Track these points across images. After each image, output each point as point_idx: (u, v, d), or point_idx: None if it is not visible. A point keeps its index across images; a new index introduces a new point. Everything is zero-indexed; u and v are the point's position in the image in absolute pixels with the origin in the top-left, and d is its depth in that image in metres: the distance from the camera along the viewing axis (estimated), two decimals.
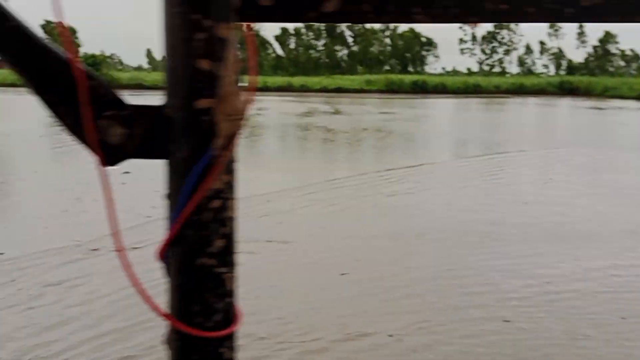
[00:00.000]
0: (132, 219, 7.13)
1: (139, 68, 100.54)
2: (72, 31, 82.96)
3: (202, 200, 0.61)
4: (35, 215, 7.62)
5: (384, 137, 18.40)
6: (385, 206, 8.64)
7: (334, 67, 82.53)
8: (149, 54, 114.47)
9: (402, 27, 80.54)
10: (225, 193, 0.64)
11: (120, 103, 0.63)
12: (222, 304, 0.65)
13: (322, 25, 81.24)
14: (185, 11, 0.58)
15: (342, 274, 5.56)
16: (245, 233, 6.08)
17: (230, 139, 0.63)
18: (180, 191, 0.62)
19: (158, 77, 60.67)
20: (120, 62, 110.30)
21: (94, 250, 6.08)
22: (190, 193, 0.61)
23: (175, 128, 0.63)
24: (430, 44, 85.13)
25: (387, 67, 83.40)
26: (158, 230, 6.91)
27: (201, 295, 0.63)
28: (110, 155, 0.64)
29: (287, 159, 13.51)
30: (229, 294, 0.66)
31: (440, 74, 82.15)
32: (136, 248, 6.01)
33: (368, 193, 9.52)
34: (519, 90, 58.07)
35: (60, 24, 0.60)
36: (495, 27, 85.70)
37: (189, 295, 0.64)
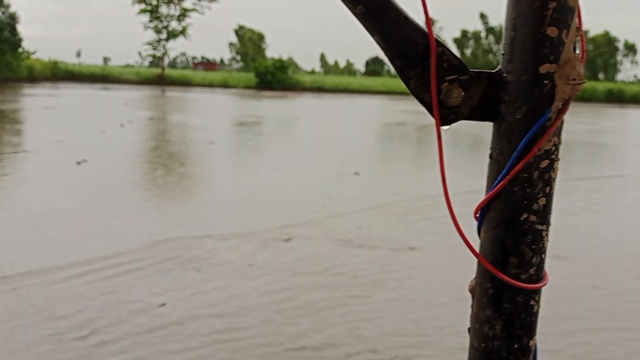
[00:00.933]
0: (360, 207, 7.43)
1: (312, 72, 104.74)
2: (260, 37, 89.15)
3: (532, 159, 0.65)
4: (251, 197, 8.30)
5: (584, 147, 17.20)
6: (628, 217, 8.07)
7: None
8: (322, 58, 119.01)
9: (594, 30, 74.56)
10: (553, 154, 0.66)
11: (462, 68, 0.67)
12: (537, 259, 0.68)
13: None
14: None
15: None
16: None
17: (567, 103, 0.65)
18: (510, 150, 0.66)
19: (335, 80, 62.67)
20: (296, 66, 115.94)
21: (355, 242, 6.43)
22: (521, 152, 0.65)
23: (512, 92, 0.66)
24: (631, 48, 77.78)
25: None
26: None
27: (520, 248, 0.67)
28: (446, 115, 0.68)
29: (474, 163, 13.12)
30: (544, 251, 0.69)
31: (632, 82, 74.70)
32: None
33: (595, 202, 8.96)
34: None
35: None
36: None
37: (508, 248, 0.67)
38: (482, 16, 79.43)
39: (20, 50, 48.60)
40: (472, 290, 0.72)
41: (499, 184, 0.67)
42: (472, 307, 0.72)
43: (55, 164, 10.87)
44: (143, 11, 54.68)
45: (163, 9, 55.28)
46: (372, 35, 0.67)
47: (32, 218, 7.11)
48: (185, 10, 55.81)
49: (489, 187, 0.69)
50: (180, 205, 8.37)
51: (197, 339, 4.09)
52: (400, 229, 7.18)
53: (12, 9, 48.41)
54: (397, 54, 0.67)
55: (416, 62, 0.67)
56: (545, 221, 0.68)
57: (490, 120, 0.70)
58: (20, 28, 48.46)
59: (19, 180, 9.47)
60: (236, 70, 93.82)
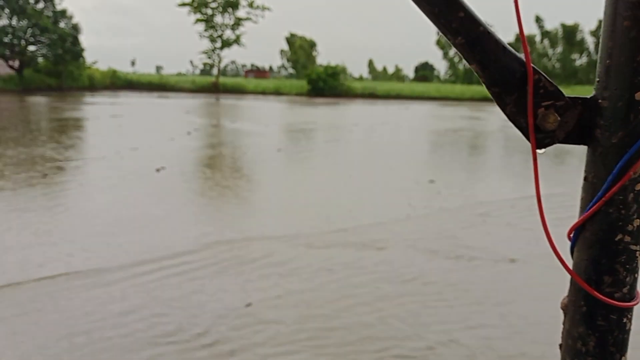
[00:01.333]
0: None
1: (360, 78, 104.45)
2: (312, 44, 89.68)
3: (627, 182, 0.67)
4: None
5: None
6: None
7: (569, 76, 77.02)
8: (370, 64, 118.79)
9: None
10: None
11: (558, 94, 0.70)
12: (631, 279, 0.70)
13: (560, 33, 76.54)
14: (636, 14, 0.65)
15: None
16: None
17: None
18: (605, 174, 0.68)
19: (387, 86, 62.44)
20: (346, 72, 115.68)
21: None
22: (617, 175, 0.67)
23: (608, 117, 0.68)
24: None
25: None
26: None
27: (614, 268, 0.69)
28: (542, 139, 0.71)
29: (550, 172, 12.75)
30: (637, 270, 0.71)
31: None
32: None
33: None
34: None
35: (520, 25, 0.69)
36: None
37: (602, 267, 0.69)
38: (538, 19, 77.69)
39: (81, 60, 50.45)
40: (564, 308, 0.74)
41: (595, 206, 0.69)
42: (563, 324, 0.74)
43: (136, 171, 11.15)
44: (199, 21, 55.94)
45: (218, 19, 56.43)
46: (471, 64, 0.70)
47: (125, 224, 7.30)
48: (240, 19, 56.79)
49: (583, 208, 0.71)
50: (265, 211, 8.43)
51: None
52: (491, 237, 7.03)
53: (74, 20, 50.23)
54: (494, 81, 0.70)
55: (513, 88, 0.70)
56: (639, 242, 0.71)
57: (584, 144, 0.72)
58: (82, 38, 50.46)
59: (104, 186, 9.75)
60: (284, 77, 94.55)
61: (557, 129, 0.71)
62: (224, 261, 5.97)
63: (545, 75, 0.70)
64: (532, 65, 0.69)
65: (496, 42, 0.69)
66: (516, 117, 0.72)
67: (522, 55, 0.70)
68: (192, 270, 5.66)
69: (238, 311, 4.70)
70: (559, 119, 0.70)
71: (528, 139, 0.71)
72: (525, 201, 8.90)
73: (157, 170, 11.09)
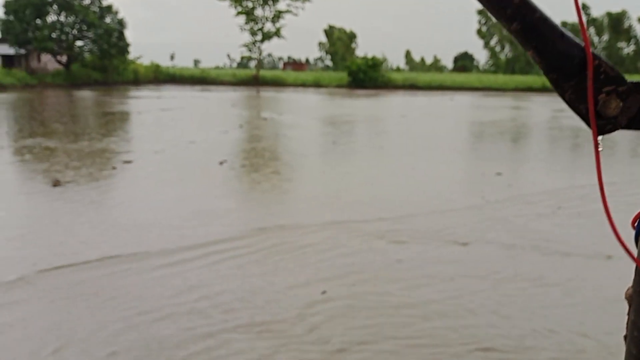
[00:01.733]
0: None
1: (398, 69, 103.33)
2: (351, 36, 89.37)
3: None
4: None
5: None
6: None
7: (615, 65, 74.86)
8: (407, 55, 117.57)
9: None
10: None
11: (620, 79, 0.67)
12: None
13: (606, 21, 74.41)
14: None
15: None
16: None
17: None
18: None
19: (427, 77, 61.67)
20: (385, 63, 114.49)
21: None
22: None
23: None
24: None
25: None
26: None
27: None
28: (603, 126, 0.69)
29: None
30: None
31: None
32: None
33: None
34: None
35: (579, 13, 0.66)
36: None
37: None
38: (584, 7, 75.63)
39: (126, 54, 51.29)
40: (629, 298, 0.73)
41: None
42: (628, 314, 0.73)
43: (199, 164, 11.25)
44: (240, 13, 56.27)
45: (258, 11, 56.67)
46: (527, 50, 0.69)
47: (200, 217, 7.33)
48: (280, 12, 56.90)
49: None
50: (334, 201, 8.36)
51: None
52: (576, 230, 6.82)
53: (119, 15, 51.04)
54: (552, 67, 0.68)
55: (572, 74, 0.68)
56: None
57: None
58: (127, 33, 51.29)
59: (172, 179, 9.83)
60: (321, 69, 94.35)
61: (619, 114, 0.69)
62: (296, 247, 6.03)
63: (606, 61, 0.68)
64: (591, 50, 0.68)
65: (553, 28, 0.68)
66: (575, 103, 0.70)
67: (580, 41, 0.69)
68: (267, 251, 5.66)
69: (314, 298, 4.66)
70: (621, 104, 0.68)
71: (589, 125, 0.69)
72: (592, 189, 8.64)
73: (220, 163, 11.15)
